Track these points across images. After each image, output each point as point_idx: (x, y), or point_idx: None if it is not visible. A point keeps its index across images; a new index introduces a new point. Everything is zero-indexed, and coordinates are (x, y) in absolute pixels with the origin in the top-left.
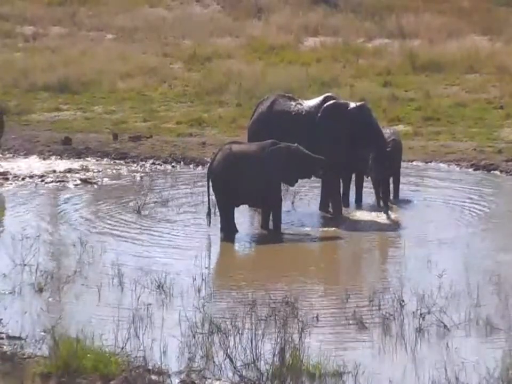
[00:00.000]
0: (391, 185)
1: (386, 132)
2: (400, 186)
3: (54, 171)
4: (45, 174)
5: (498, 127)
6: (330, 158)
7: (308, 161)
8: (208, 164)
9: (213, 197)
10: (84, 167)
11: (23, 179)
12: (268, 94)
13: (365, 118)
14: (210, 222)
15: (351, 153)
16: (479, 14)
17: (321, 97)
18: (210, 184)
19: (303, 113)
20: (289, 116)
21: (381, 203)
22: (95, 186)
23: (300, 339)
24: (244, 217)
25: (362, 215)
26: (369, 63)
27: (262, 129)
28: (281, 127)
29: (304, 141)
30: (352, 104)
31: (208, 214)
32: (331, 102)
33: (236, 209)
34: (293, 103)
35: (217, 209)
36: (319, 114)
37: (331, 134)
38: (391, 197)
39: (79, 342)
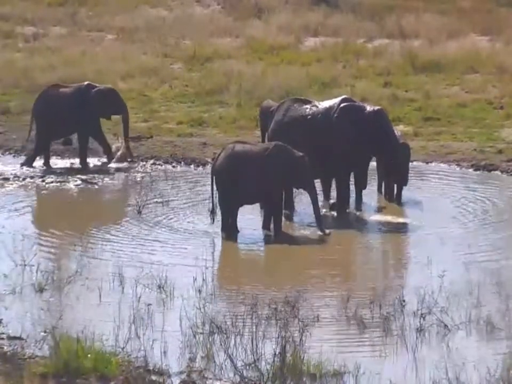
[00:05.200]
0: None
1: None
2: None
3: (55, 171)
4: (46, 174)
5: (499, 127)
6: (343, 158)
7: (304, 173)
8: (212, 163)
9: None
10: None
11: (23, 179)
12: (268, 94)
13: (381, 123)
14: (214, 220)
15: (360, 154)
16: (479, 14)
17: (338, 99)
18: (214, 183)
19: (319, 116)
20: (305, 119)
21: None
22: (96, 186)
23: (300, 339)
24: (245, 217)
25: (362, 215)
26: (370, 64)
27: (280, 137)
28: (299, 131)
29: (319, 141)
30: (369, 108)
31: (212, 212)
32: (348, 103)
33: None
34: (308, 106)
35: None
36: (335, 115)
37: (346, 134)
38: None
39: (79, 342)
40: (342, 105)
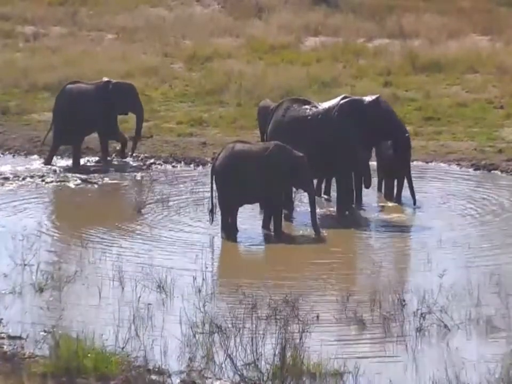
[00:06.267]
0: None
1: None
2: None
3: (55, 171)
4: (46, 174)
5: (499, 127)
6: (344, 156)
7: (304, 173)
8: (212, 163)
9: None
10: (85, 166)
11: (23, 179)
12: (269, 93)
13: (382, 109)
14: (212, 220)
15: (363, 148)
16: (479, 14)
17: (337, 99)
18: (214, 182)
19: (320, 116)
20: (306, 119)
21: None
22: (96, 186)
23: (300, 339)
24: (245, 216)
25: (362, 214)
26: (370, 63)
27: (280, 138)
28: (299, 131)
29: (320, 141)
30: (368, 98)
31: (211, 211)
32: (347, 99)
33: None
34: (308, 107)
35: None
36: (336, 113)
37: (349, 129)
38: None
39: (79, 342)
40: (341, 102)
